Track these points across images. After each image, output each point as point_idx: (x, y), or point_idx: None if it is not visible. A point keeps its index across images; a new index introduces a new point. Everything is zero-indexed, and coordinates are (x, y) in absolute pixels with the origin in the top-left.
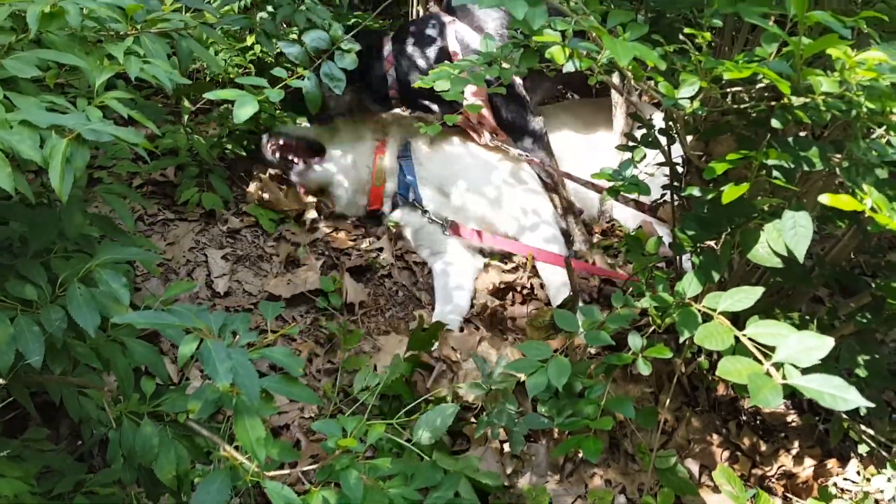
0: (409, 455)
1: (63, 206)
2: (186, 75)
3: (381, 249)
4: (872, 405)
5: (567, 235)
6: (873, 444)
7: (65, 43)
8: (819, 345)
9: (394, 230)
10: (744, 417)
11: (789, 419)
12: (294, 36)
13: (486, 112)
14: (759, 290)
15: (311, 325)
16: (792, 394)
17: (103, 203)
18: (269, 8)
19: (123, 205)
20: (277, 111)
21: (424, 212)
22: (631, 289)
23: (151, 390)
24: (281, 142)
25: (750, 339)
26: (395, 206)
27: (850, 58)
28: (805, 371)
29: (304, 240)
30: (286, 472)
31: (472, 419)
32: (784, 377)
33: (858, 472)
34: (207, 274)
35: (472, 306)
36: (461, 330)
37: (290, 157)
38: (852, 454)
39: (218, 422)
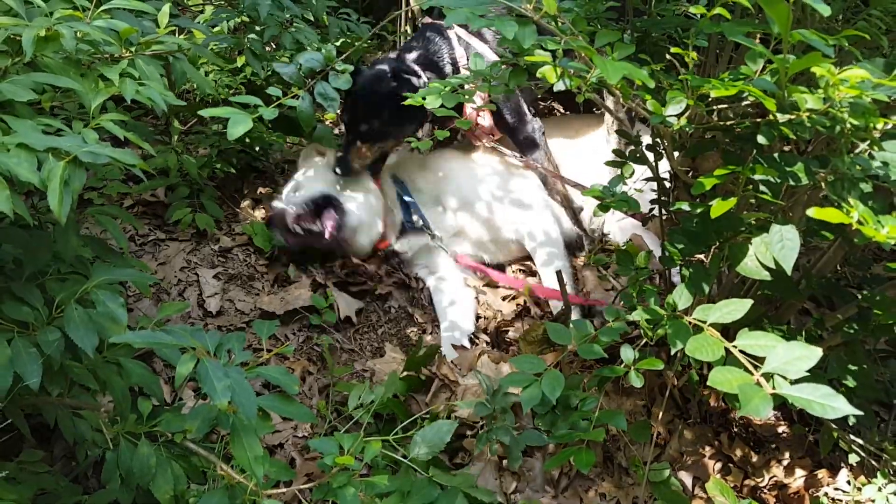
0: (405, 471)
1: (57, 227)
2: (178, 96)
3: (374, 265)
4: (861, 413)
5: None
6: (863, 454)
7: (60, 66)
8: (807, 355)
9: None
10: (735, 429)
11: (780, 430)
12: (285, 59)
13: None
14: (747, 303)
15: (304, 342)
16: (782, 405)
17: (94, 224)
18: (258, 28)
19: (116, 226)
20: (269, 129)
21: (433, 236)
22: (622, 302)
23: (148, 411)
24: (296, 214)
25: (740, 350)
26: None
27: (833, 75)
28: (794, 381)
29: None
30: (282, 490)
31: (469, 434)
32: (774, 387)
33: (849, 482)
34: (199, 293)
35: (476, 320)
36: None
37: (310, 228)
38: (843, 464)
39: (212, 442)
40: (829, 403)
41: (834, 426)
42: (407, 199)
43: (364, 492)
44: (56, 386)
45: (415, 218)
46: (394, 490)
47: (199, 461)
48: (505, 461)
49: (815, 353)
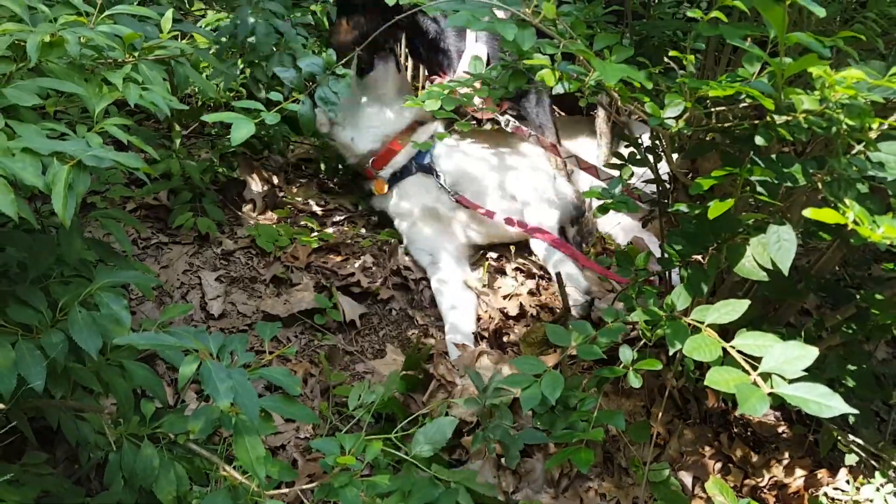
0: (407, 469)
1: (61, 231)
2: (180, 100)
3: (375, 267)
4: (856, 412)
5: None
6: (862, 454)
7: (64, 71)
8: (803, 354)
9: (392, 241)
10: (735, 429)
11: (780, 430)
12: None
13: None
14: (745, 303)
15: (307, 345)
16: (781, 405)
17: (97, 228)
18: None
19: (120, 229)
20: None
21: (438, 175)
22: (621, 303)
23: (151, 412)
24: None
25: (738, 350)
26: (402, 176)
27: (829, 76)
28: (792, 381)
29: (298, 261)
30: (284, 491)
31: (466, 432)
32: (772, 386)
33: (848, 482)
34: (202, 296)
35: (478, 321)
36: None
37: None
38: (842, 464)
39: (214, 443)
40: (826, 402)
41: (833, 426)
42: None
43: (365, 492)
44: (59, 388)
45: (426, 159)
46: (395, 490)
47: (201, 463)
48: (503, 459)
49: (811, 353)
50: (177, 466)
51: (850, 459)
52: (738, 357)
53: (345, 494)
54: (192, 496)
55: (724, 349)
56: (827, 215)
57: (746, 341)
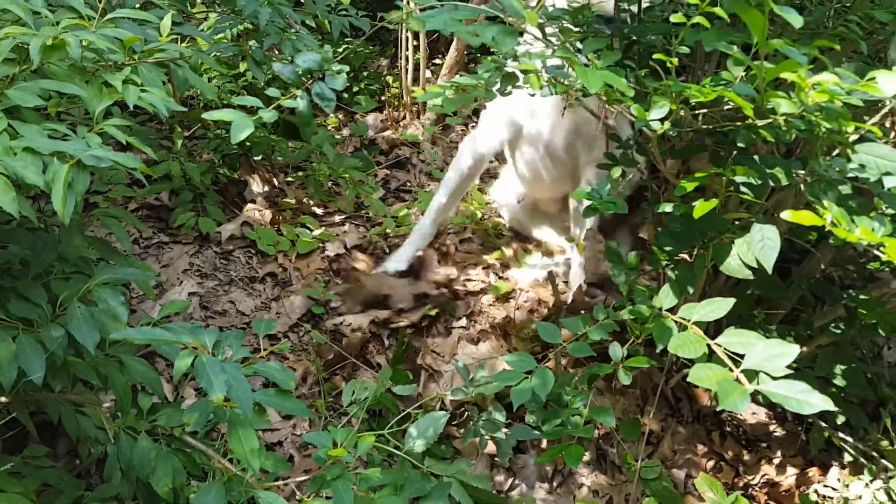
0: (401, 464)
1: (62, 229)
2: (181, 102)
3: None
4: (837, 409)
5: None
6: (854, 453)
7: (66, 73)
8: (784, 352)
9: None
10: (728, 428)
11: (772, 429)
12: (286, 60)
13: None
14: (730, 302)
15: (307, 343)
16: (773, 404)
17: (99, 227)
18: (258, 34)
19: (120, 228)
20: (272, 135)
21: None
22: (613, 302)
23: (148, 406)
24: None
25: (723, 348)
26: None
27: (804, 80)
28: (776, 378)
29: (296, 262)
30: (280, 483)
31: (455, 425)
32: (758, 383)
33: (839, 480)
34: (202, 295)
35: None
36: None
37: None
38: (834, 463)
39: (213, 439)
40: (805, 399)
41: (825, 424)
42: None
43: (358, 485)
44: (59, 382)
45: None
46: (387, 483)
47: (198, 456)
48: (496, 457)
49: (791, 350)
50: (173, 459)
51: (846, 458)
52: (723, 354)
53: (336, 487)
54: (189, 490)
55: (709, 347)
56: (805, 218)
57: (731, 339)
